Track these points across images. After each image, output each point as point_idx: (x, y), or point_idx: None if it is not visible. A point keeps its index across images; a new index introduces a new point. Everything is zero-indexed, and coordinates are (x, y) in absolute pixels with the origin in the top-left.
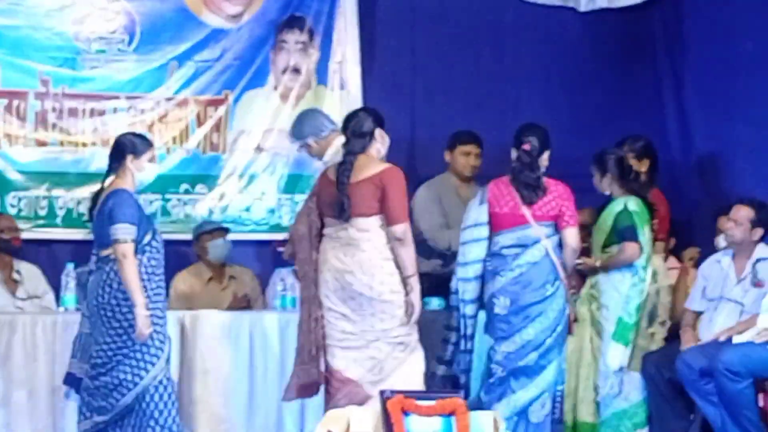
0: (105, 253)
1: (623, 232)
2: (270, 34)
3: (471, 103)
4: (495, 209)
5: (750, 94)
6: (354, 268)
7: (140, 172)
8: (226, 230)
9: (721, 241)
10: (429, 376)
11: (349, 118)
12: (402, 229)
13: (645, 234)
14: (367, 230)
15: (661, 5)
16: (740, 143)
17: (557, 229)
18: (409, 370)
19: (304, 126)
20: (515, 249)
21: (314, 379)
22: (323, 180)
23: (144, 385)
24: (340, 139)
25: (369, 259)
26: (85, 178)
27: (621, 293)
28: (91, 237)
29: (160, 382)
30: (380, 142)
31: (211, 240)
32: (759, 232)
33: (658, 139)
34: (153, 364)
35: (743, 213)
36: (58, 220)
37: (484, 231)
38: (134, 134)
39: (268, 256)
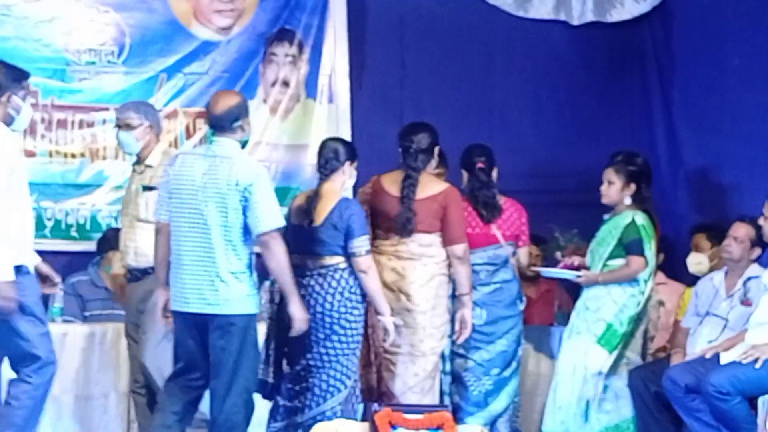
0: (332, 261)
1: (630, 246)
2: (259, 47)
3: (460, 116)
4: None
5: (737, 110)
6: (415, 281)
7: (351, 179)
8: None
9: (692, 260)
10: None
11: (414, 132)
12: (463, 248)
13: (651, 249)
14: (429, 245)
15: (651, 21)
16: (728, 158)
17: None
18: (434, 389)
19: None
20: (488, 267)
21: (372, 384)
22: (379, 192)
23: (345, 395)
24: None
25: (430, 274)
26: (74, 189)
27: (617, 304)
28: (76, 248)
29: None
30: (436, 160)
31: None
32: (757, 251)
33: (646, 154)
34: (353, 375)
35: (744, 231)
36: (47, 231)
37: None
38: (343, 141)
39: (257, 268)
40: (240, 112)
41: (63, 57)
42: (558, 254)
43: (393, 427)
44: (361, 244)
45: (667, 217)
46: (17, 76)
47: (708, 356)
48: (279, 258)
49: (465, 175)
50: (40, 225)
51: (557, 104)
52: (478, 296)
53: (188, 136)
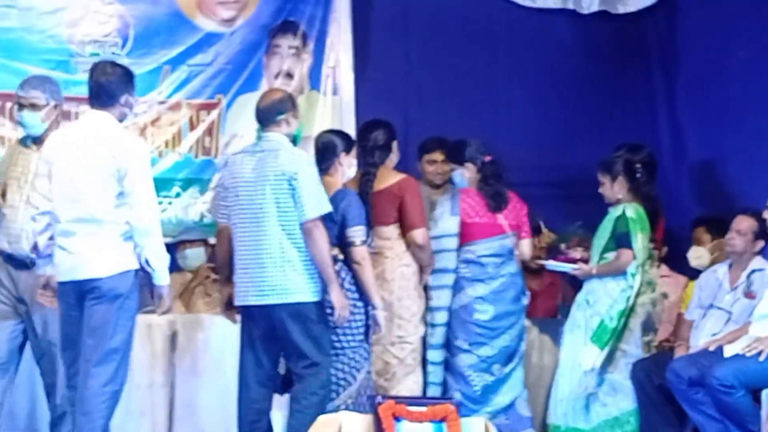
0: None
1: (620, 239)
2: (263, 39)
3: (464, 108)
4: (470, 219)
5: (742, 103)
6: (379, 275)
7: (349, 169)
8: (205, 241)
9: (693, 253)
10: None
11: (369, 130)
12: (421, 233)
13: (638, 241)
14: (388, 238)
15: (655, 13)
16: (732, 151)
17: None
18: (415, 380)
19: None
20: (494, 258)
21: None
22: None
23: (356, 388)
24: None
25: (392, 267)
26: None
27: (611, 297)
28: None
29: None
30: (395, 154)
31: (189, 248)
32: (760, 243)
33: (651, 147)
34: (363, 367)
35: (747, 224)
36: None
37: (455, 242)
38: (337, 133)
39: None
40: (284, 106)
41: (67, 48)
42: (562, 246)
43: (397, 419)
44: (355, 234)
45: (671, 210)
46: (131, 77)
47: (711, 349)
48: (321, 246)
49: (471, 167)
50: None
51: (562, 97)
52: (486, 292)
53: (192, 127)
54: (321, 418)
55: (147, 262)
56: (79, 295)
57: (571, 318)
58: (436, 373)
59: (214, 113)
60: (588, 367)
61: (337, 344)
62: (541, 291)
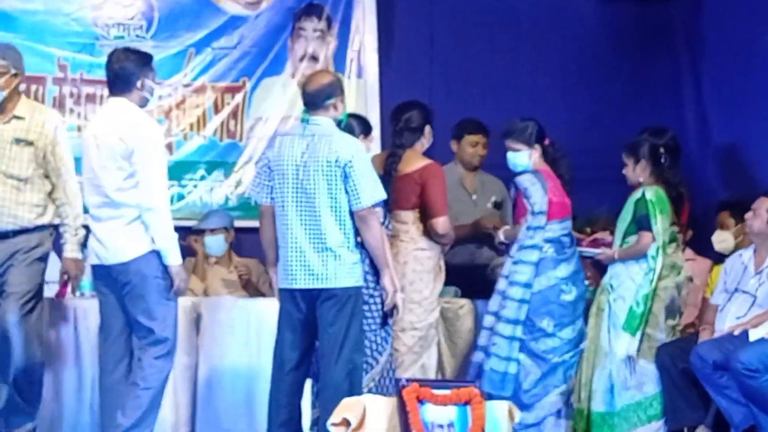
0: None
1: (640, 221)
2: (288, 22)
3: (488, 91)
4: (555, 198)
5: (767, 87)
6: (392, 257)
7: (369, 152)
8: (225, 228)
9: (717, 237)
10: (467, 365)
11: (402, 111)
12: (442, 221)
13: (658, 223)
14: (405, 222)
15: None
16: (758, 135)
17: None
18: (422, 364)
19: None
20: (567, 239)
21: None
22: None
23: (379, 370)
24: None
25: (407, 251)
26: None
27: (635, 282)
28: None
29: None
30: (427, 139)
31: (210, 235)
32: None
33: (676, 131)
34: (385, 350)
35: (766, 206)
36: None
37: (544, 220)
38: (355, 116)
39: None
40: (332, 91)
41: (92, 31)
42: (588, 230)
43: (420, 402)
44: None
45: (696, 194)
46: (146, 60)
47: (736, 333)
48: (375, 233)
49: (539, 149)
50: None
51: (586, 81)
52: (568, 272)
53: (216, 111)
54: (345, 400)
55: (153, 241)
56: (111, 279)
57: (595, 302)
58: (502, 347)
59: (239, 96)
60: (622, 355)
61: (361, 328)
62: None
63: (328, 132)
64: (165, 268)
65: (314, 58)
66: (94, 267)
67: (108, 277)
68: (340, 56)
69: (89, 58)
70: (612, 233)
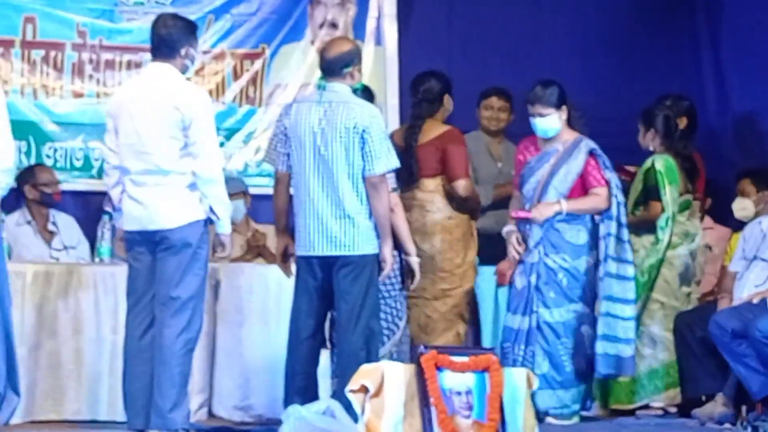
0: None
1: (649, 191)
2: None
3: (507, 59)
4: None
5: None
6: (419, 228)
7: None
8: (244, 192)
9: (737, 205)
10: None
11: (421, 82)
12: (463, 184)
13: (668, 193)
14: (431, 191)
15: None
16: None
17: None
18: (455, 333)
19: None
20: None
21: None
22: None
23: (399, 337)
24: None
25: (435, 219)
26: None
27: (646, 249)
28: None
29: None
30: (446, 108)
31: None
32: None
33: (694, 99)
34: (404, 316)
35: None
36: (94, 172)
37: None
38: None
39: None
40: (351, 58)
41: None
42: None
43: (439, 369)
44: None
45: (715, 162)
46: (192, 29)
47: (755, 301)
48: (384, 201)
49: (566, 111)
50: (87, 166)
51: (606, 48)
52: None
53: (236, 77)
54: (363, 367)
55: (211, 210)
56: (149, 245)
57: None
58: (624, 329)
59: (258, 63)
60: None
61: (383, 292)
62: None
63: (345, 99)
64: (205, 239)
65: (334, 25)
66: (131, 233)
67: (148, 243)
68: (359, 23)
69: (108, 24)
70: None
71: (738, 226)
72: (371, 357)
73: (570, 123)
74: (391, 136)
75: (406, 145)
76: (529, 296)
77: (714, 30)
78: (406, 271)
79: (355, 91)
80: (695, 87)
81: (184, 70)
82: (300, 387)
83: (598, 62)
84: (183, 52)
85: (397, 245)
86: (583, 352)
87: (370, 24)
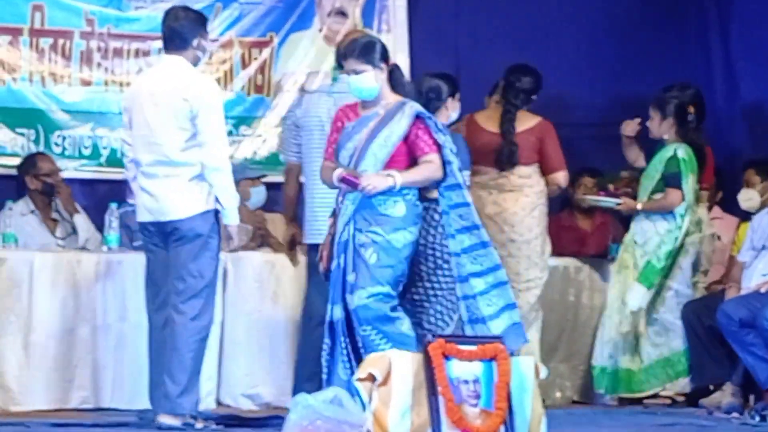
0: (432, 195)
1: (669, 179)
2: None
3: (516, 47)
4: None
5: None
6: (518, 212)
7: (455, 113)
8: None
9: (743, 195)
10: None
11: (523, 73)
12: (564, 175)
13: (689, 182)
14: (529, 177)
15: None
16: None
17: None
18: (538, 327)
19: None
20: None
21: None
22: (474, 129)
23: (452, 329)
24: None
25: (531, 203)
26: None
27: (660, 236)
28: None
29: None
30: (448, 109)
31: (252, 186)
32: None
33: (703, 88)
34: (457, 309)
35: None
36: (102, 160)
37: None
38: (443, 76)
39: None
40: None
41: None
42: (611, 186)
43: (446, 358)
44: (464, 178)
45: (724, 152)
46: (202, 20)
47: (763, 290)
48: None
49: (385, 70)
50: (95, 154)
51: (614, 36)
52: None
53: (244, 65)
54: (371, 356)
55: (217, 200)
56: (162, 235)
57: (618, 259)
58: (487, 304)
59: (266, 51)
60: (634, 307)
61: (436, 285)
62: (592, 231)
63: None
64: (216, 228)
65: (342, 13)
66: (145, 224)
67: (160, 234)
68: (368, 11)
69: (117, 13)
70: (634, 190)
71: (746, 215)
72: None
73: (396, 89)
74: (474, 121)
75: (504, 131)
76: (341, 280)
77: (723, 19)
78: None
79: None
80: (703, 76)
81: (195, 62)
82: (310, 374)
83: (605, 51)
84: (195, 43)
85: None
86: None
87: (379, 12)
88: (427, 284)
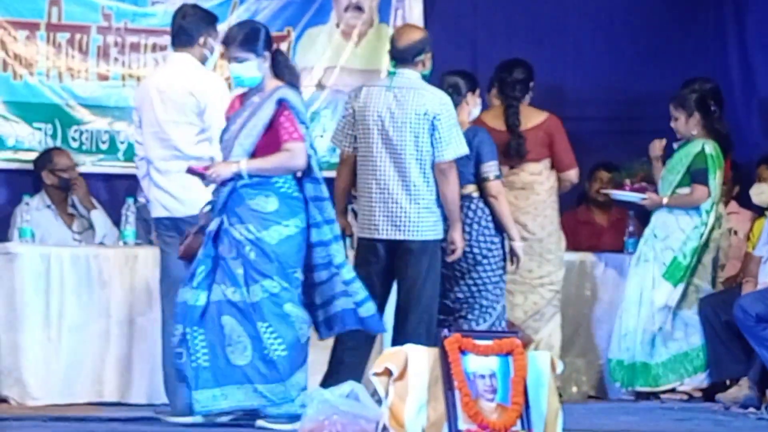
0: (466, 191)
1: (696, 174)
2: None
3: (532, 41)
4: None
5: None
6: (530, 210)
7: (475, 108)
8: None
9: (755, 190)
10: None
11: (510, 66)
12: (575, 172)
13: (716, 179)
14: (539, 173)
15: None
16: None
17: None
18: (557, 322)
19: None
20: None
21: None
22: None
23: (492, 322)
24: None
25: (543, 201)
26: None
27: (684, 232)
28: None
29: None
30: (469, 105)
31: None
32: None
33: (720, 82)
34: (500, 301)
35: None
36: (119, 155)
37: None
38: (462, 73)
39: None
40: (423, 47)
41: None
42: (627, 181)
43: (463, 352)
44: (489, 169)
45: (741, 146)
46: (211, 19)
47: None
48: (454, 186)
49: (268, 58)
50: (113, 148)
51: (631, 30)
52: None
53: None
54: (387, 350)
55: None
56: (178, 230)
57: (637, 252)
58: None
59: (284, 46)
60: (661, 304)
61: (479, 281)
62: (609, 226)
63: (416, 85)
64: None
65: (359, 8)
66: (160, 219)
67: (176, 229)
68: (384, 6)
69: (133, 8)
70: (651, 184)
71: (760, 211)
72: (429, 341)
73: (280, 74)
74: (481, 121)
75: (510, 126)
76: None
77: (740, 14)
78: (510, 257)
79: (424, 77)
80: (720, 71)
81: (203, 59)
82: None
83: (623, 46)
84: (201, 41)
85: (500, 232)
86: (294, 336)
87: (396, 6)
88: (469, 281)
